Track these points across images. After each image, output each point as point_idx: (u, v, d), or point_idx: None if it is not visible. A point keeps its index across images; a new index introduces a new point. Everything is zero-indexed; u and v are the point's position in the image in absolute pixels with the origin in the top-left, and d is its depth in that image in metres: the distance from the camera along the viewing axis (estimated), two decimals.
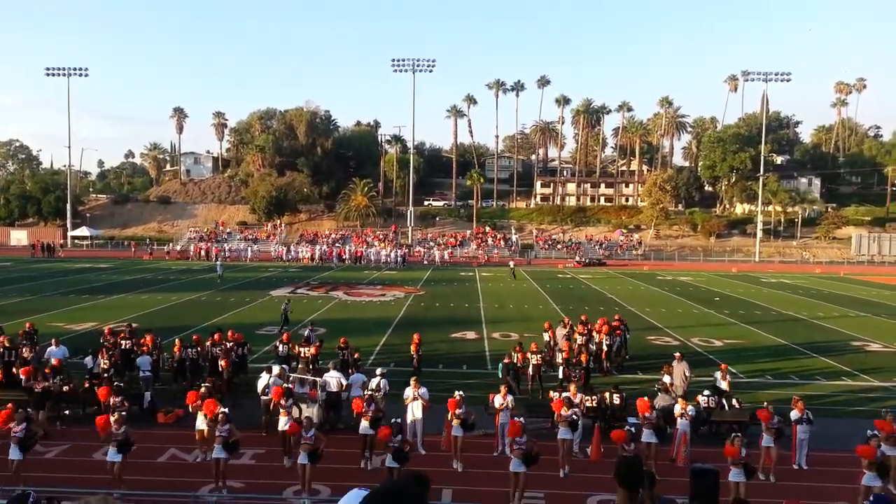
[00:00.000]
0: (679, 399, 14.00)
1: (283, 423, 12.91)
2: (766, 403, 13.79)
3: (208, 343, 18.06)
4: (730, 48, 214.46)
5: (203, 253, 67.99)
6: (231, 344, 17.94)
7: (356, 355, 17.68)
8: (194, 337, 18.52)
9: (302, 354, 18.12)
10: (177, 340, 18.49)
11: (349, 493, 3.00)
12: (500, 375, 17.09)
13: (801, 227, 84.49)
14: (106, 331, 20.71)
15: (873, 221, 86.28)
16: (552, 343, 20.61)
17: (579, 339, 19.93)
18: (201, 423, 12.95)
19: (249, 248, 69.98)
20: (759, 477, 12.02)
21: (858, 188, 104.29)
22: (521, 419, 12.09)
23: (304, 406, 13.96)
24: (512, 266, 54.60)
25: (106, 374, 16.27)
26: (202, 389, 13.64)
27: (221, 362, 17.14)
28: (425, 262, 65.42)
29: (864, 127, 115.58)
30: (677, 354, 17.75)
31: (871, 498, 9.25)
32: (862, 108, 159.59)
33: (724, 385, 16.08)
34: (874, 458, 10.80)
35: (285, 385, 14.21)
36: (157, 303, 33.95)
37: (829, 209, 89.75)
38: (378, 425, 12.56)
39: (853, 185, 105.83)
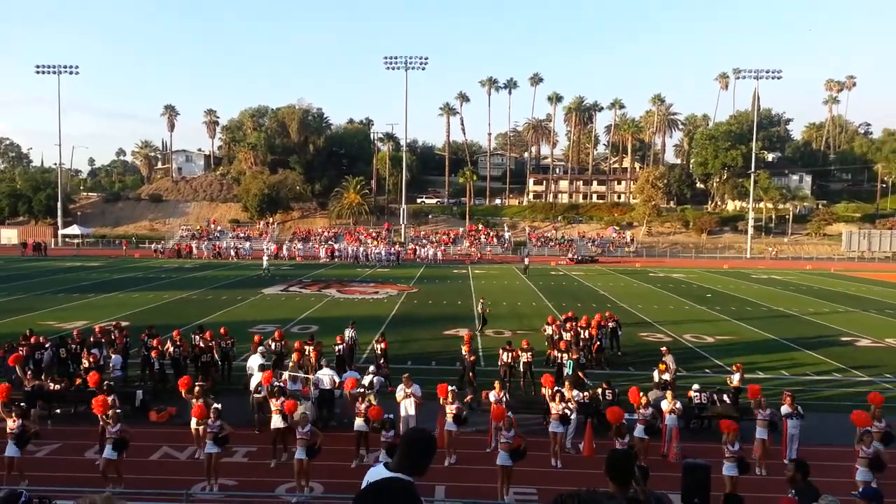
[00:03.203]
0: (667, 394, 14.05)
1: (275, 421, 12.88)
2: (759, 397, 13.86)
3: (203, 339, 18.16)
4: (721, 46, 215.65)
5: (195, 250, 68.57)
6: (219, 340, 18.45)
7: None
8: (174, 333, 18.64)
9: (307, 352, 18.10)
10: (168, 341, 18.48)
11: (372, 470, 3.21)
12: (570, 372, 17.03)
13: (792, 224, 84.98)
14: (97, 329, 20.61)
15: (863, 218, 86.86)
16: (556, 338, 20.60)
17: (566, 336, 20.22)
18: (195, 420, 12.90)
19: (286, 246, 69.85)
20: (754, 471, 12.09)
21: (849, 185, 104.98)
22: (511, 414, 12.16)
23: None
24: (527, 263, 54.60)
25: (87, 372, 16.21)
26: (197, 389, 13.60)
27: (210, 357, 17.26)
28: (418, 260, 65.47)
29: (854, 124, 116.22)
30: (664, 349, 18.26)
31: (861, 489, 9.33)
32: (852, 106, 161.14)
33: (736, 381, 16.12)
34: (869, 425, 11.60)
35: (276, 383, 14.17)
36: (149, 301, 33.81)
37: (820, 206, 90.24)
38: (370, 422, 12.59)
39: (844, 181, 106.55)
